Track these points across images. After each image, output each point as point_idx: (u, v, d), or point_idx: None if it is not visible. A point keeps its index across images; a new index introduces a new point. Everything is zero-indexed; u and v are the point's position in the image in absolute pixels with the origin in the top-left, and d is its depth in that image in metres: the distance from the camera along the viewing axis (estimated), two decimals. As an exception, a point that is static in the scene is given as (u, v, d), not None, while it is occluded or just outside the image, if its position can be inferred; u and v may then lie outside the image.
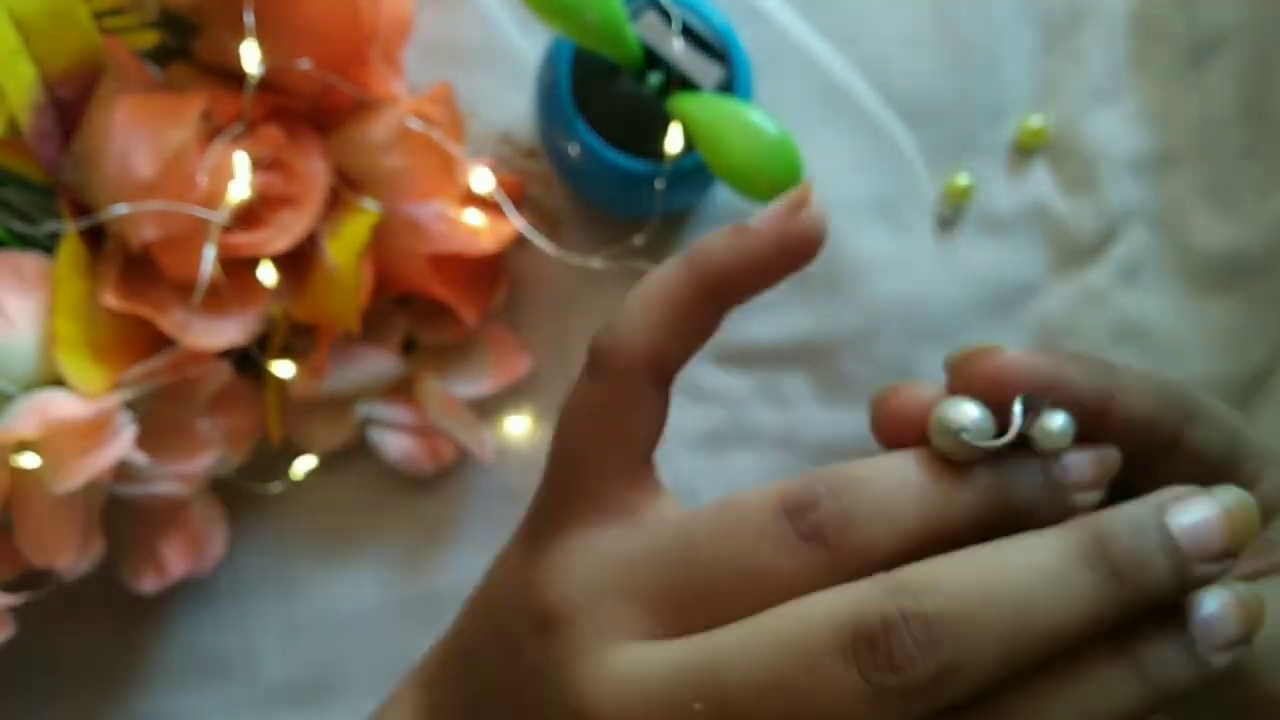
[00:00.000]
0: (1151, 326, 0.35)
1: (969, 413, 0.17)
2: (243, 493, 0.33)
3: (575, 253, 0.32)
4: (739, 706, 0.16)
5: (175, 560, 0.31)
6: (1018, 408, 0.17)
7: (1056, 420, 0.17)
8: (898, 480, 0.17)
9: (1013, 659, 0.16)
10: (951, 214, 0.35)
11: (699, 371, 0.35)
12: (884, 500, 0.17)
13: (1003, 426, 0.17)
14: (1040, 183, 0.36)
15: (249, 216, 0.29)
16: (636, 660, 0.17)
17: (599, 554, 0.18)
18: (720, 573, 0.17)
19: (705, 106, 0.29)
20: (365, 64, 0.29)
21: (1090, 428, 0.18)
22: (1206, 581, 0.17)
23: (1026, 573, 0.16)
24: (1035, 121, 0.35)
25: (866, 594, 0.16)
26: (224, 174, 0.28)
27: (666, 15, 0.30)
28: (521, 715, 0.19)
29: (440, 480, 0.34)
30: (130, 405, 0.28)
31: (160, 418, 0.29)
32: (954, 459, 0.17)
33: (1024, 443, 0.18)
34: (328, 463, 0.34)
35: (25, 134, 0.27)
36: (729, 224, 0.19)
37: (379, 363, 0.32)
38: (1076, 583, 0.16)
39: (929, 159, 0.35)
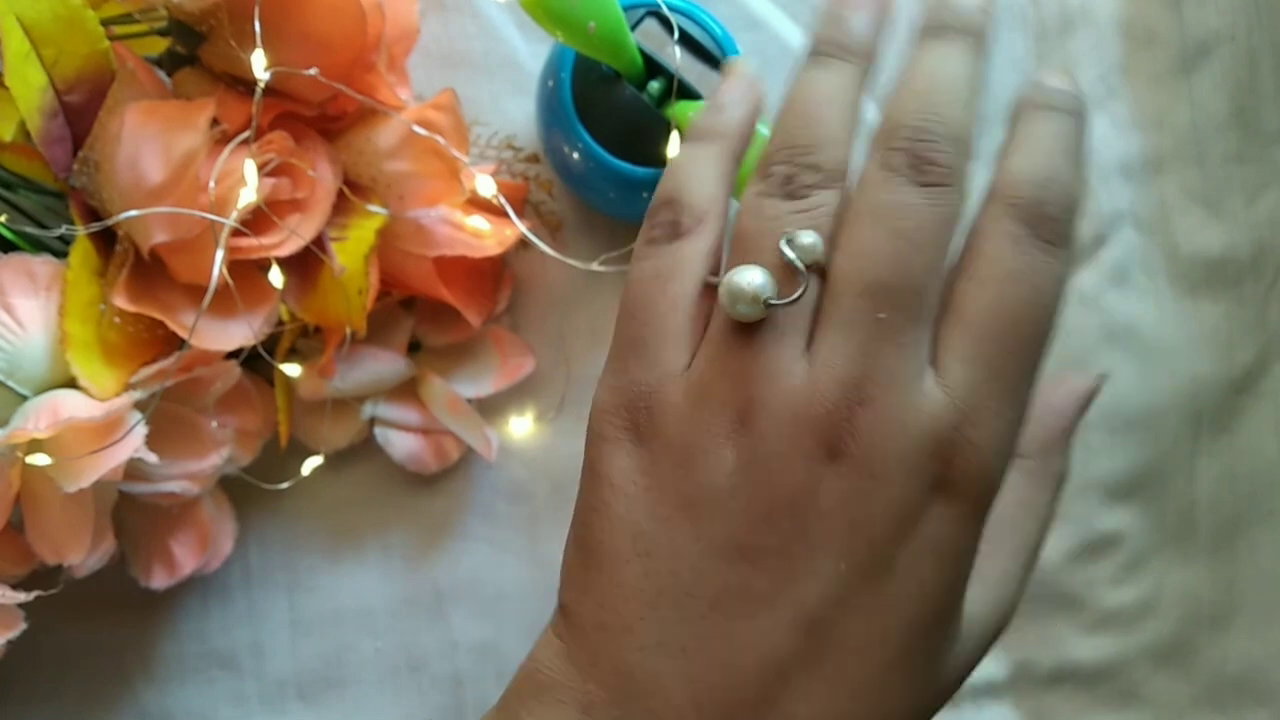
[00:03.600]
0: (1141, 328, 0.36)
1: (754, 278, 0.20)
2: (252, 490, 0.33)
3: (577, 256, 0.33)
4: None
5: (185, 557, 0.31)
6: (790, 252, 0.20)
7: (809, 238, 0.21)
8: None
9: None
10: (945, 218, 0.36)
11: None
12: None
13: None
14: (1032, 187, 0.36)
15: (257, 220, 0.29)
16: None
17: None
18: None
19: (704, 113, 0.30)
20: (371, 71, 0.30)
21: None
22: None
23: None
24: (1027, 127, 0.36)
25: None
26: (233, 179, 0.28)
27: (667, 24, 0.31)
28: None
29: (445, 478, 0.35)
30: (141, 405, 0.28)
31: (170, 417, 0.30)
32: (748, 321, 0.20)
33: None
34: (335, 461, 0.34)
35: (36, 139, 0.28)
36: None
37: (385, 363, 0.33)
38: None
39: (923, 164, 0.36)
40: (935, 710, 0.21)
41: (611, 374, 0.22)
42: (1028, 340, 0.20)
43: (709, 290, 0.21)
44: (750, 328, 0.20)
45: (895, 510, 0.19)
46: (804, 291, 0.20)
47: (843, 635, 0.20)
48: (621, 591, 0.20)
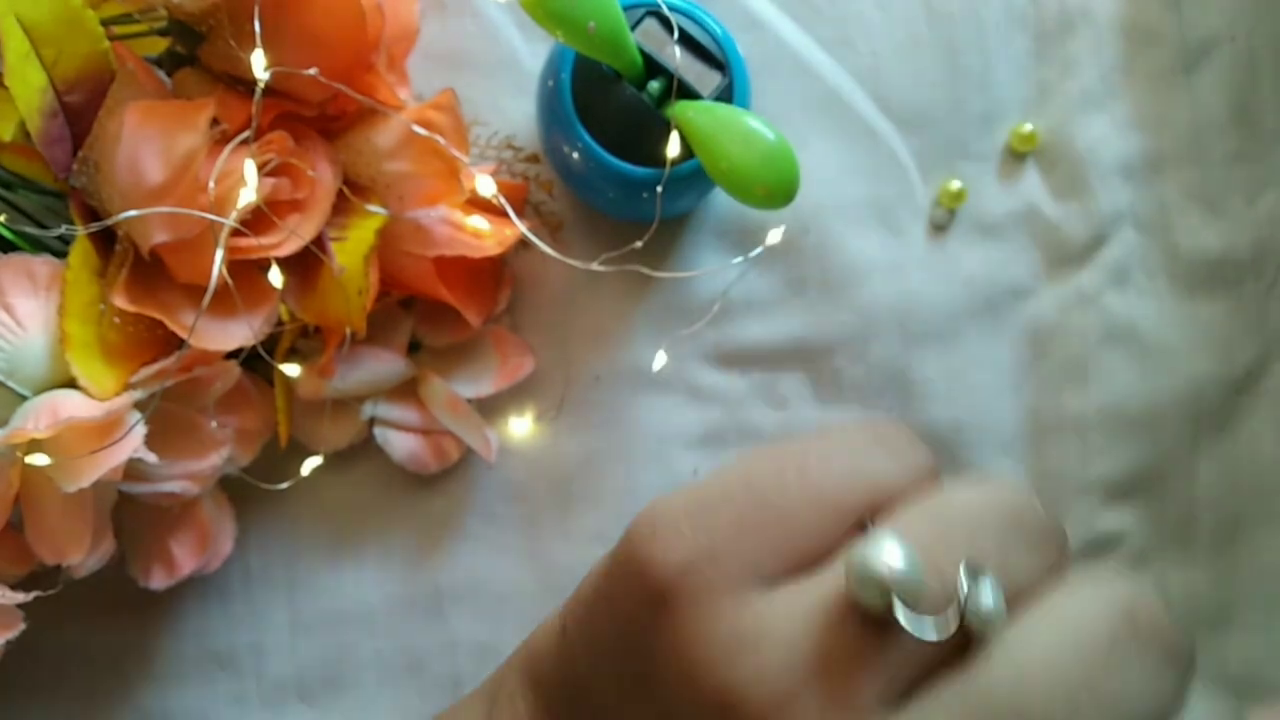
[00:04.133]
0: (1141, 328, 0.36)
1: (898, 559, 0.15)
2: (251, 491, 0.33)
3: (577, 256, 0.33)
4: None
5: (185, 557, 0.31)
6: (964, 575, 0.16)
7: (991, 600, 0.16)
8: None
9: None
10: (944, 218, 0.36)
11: (697, 372, 0.35)
12: None
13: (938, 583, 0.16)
14: (1032, 187, 0.36)
15: (257, 220, 0.29)
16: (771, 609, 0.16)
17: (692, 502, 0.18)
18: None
19: (704, 113, 0.30)
20: (371, 71, 0.30)
21: None
22: None
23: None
24: (1027, 127, 0.36)
25: (1125, 582, 0.17)
26: (233, 179, 0.28)
27: (667, 24, 0.31)
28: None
29: (445, 479, 0.35)
30: (141, 405, 0.28)
31: (170, 418, 0.30)
32: (867, 609, 0.16)
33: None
34: (334, 461, 0.34)
35: (36, 139, 0.28)
36: None
37: (385, 363, 0.33)
38: None
39: (922, 164, 0.36)
40: None
41: (697, 504, 0.18)
42: None
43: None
44: (856, 627, 0.16)
45: None
46: (948, 635, 0.16)
47: None
48: (589, 685, 0.19)
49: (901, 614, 0.15)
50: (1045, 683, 0.15)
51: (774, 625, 0.16)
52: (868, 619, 0.16)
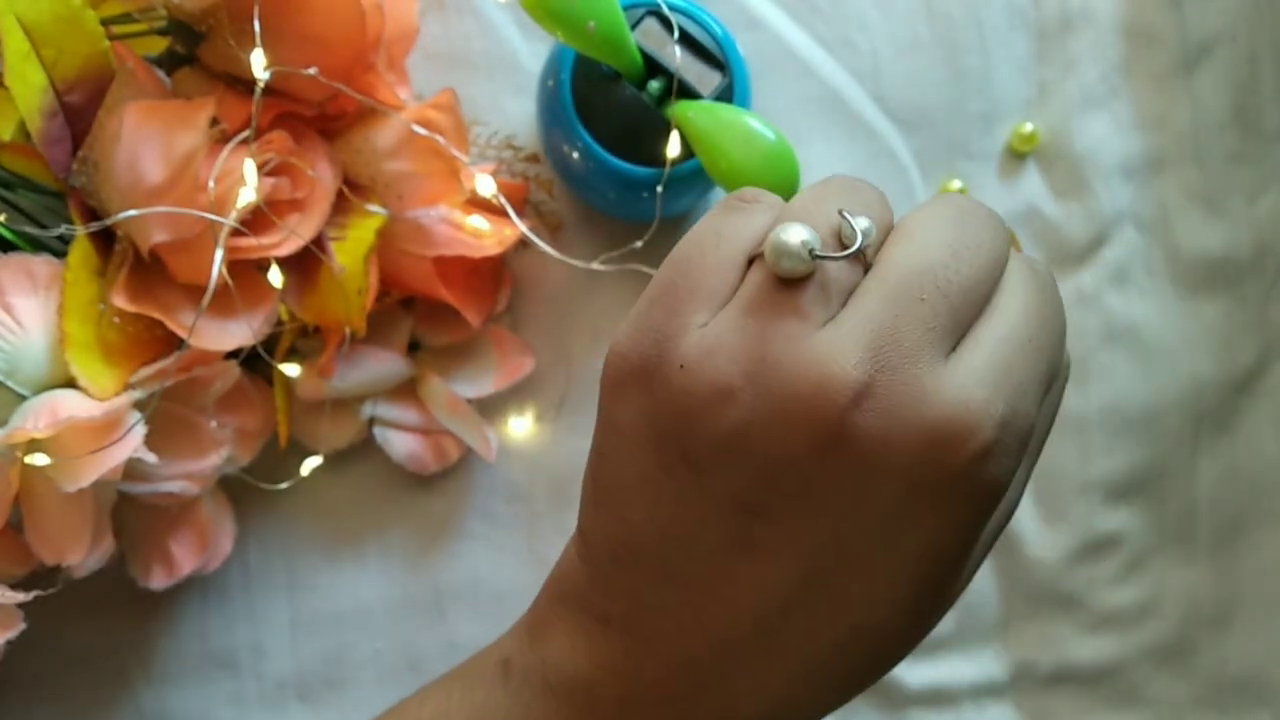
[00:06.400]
0: (1141, 328, 0.36)
1: (801, 232, 0.20)
2: (251, 491, 0.33)
3: (576, 256, 0.33)
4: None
5: (184, 557, 0.31)
6: (852, 220, 0.21)
7: (865, 221, 0.21)
8: None
9: None
10: (945, 218, 0.36)
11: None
12: None
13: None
14: (1032, 187, 0.36)
15: (257, 220, 0.29)
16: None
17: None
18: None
19: (704, 113, 0.30)
20: (371, 71, 0.30)
21: None
22: None
23: None
24: (1027, 127, 0.36)
25: None
26: (232, 179, 0.28)
27: (666, 23, 0.31)
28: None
29: (444, 479, 0.35)
30: (140, 405, 0.28)
31: (170, 417, 0.30)
32: (794, 276, 0.20)
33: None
34: (334, 461, 0.34)
35: (36, 139, 0.28)
36: None
37: (384, 363, 0.33)
38: None
39: (923, 164, 0.36)
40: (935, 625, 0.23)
41: (635, 315, 0.22)
42: (1049, 344, 0.21)
43: (753, 263, 0.22)
44: (780, 291, 0.20)
45: (904, 488, 0.19)
46: (856, 249, 0.20)
47: (844, 586, 0.20)
48: (630, 529, 0.21)
49: (817, 253, 0.20)
50: (930, 246, 0.21)
51: (720, 328, 0.20)
52: (788, 283, 0.20)
